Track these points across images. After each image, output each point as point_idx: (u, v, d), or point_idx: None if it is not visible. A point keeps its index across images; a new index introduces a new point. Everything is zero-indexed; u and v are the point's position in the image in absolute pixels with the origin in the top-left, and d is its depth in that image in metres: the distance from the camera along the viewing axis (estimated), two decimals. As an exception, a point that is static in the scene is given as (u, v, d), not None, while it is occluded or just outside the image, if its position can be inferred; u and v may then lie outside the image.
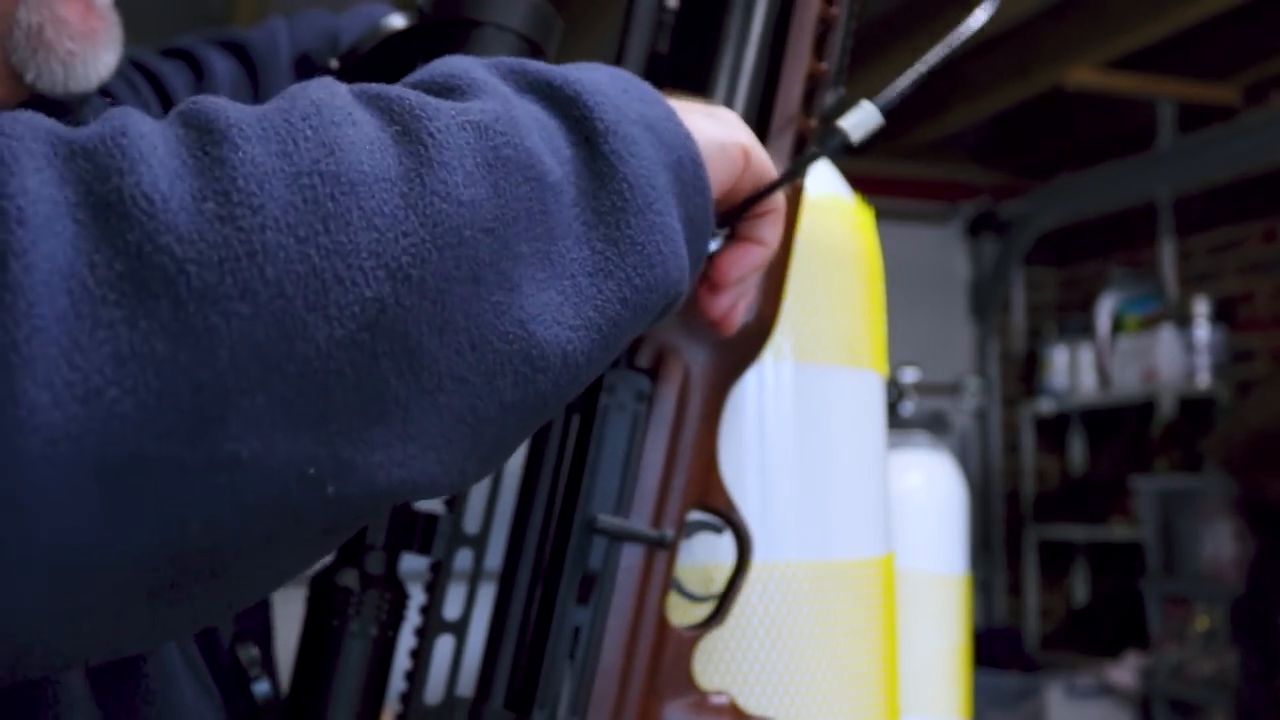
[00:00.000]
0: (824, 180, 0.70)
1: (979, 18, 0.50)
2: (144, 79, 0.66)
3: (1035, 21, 3.10)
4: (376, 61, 0.56)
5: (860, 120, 0.48)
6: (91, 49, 0.50)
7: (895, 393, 1.66)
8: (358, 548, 0.53)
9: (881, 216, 0.73)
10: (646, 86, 0.44)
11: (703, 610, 0.58)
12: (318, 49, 0.69)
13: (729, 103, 0.56)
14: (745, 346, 0.57)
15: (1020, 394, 4.25)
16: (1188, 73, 3.41)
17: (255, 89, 0.68)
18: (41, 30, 0.49)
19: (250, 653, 0.52)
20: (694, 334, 0.55)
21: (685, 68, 0.57)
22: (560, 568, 0.53)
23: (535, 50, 0.56)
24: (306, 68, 0.68)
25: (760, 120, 0.56)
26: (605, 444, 0.54)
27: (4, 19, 0.48)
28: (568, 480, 0.54)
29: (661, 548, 0.54)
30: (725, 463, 0.61)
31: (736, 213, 0.48)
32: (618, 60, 0.57)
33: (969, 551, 1.59)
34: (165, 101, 0.65)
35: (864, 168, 3.85)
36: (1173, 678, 3.31)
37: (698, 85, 0.56)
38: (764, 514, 0.62)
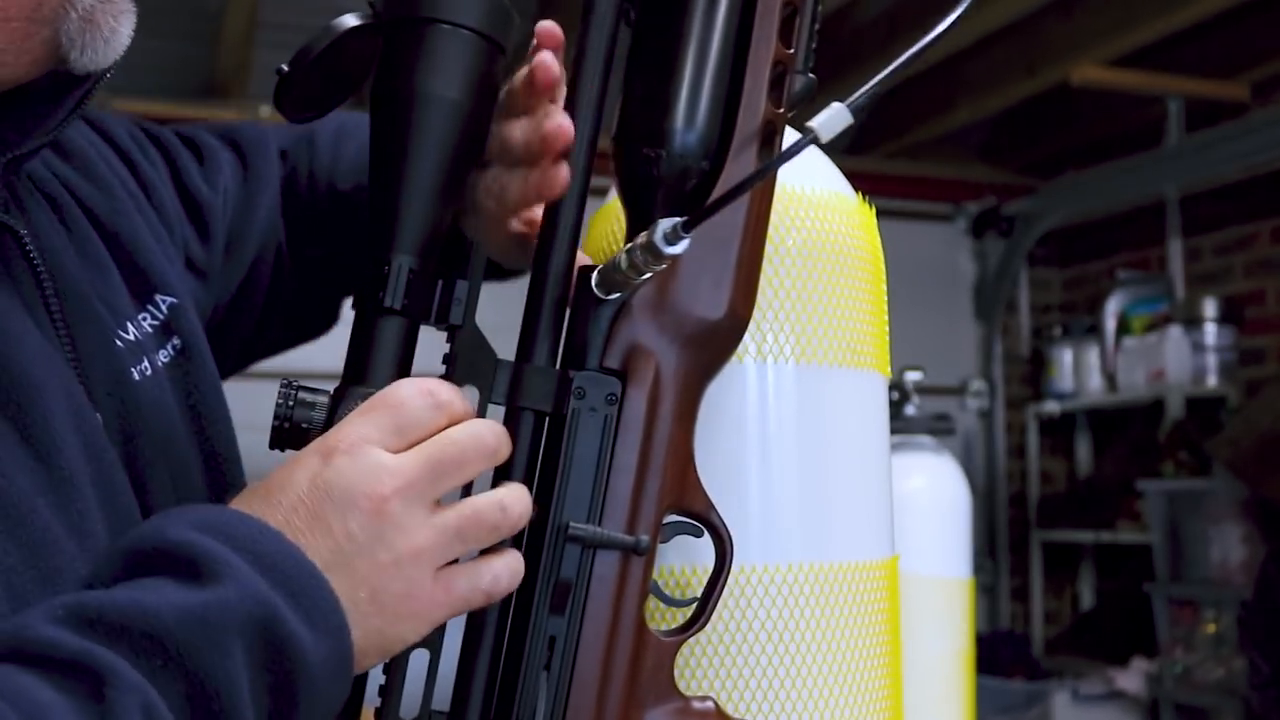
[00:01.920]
0: (826, 178, 0.69)
1: (947, 21, 0.51)
2: (155, 148, 0.73)
3: (1041, 17, 3.08)
4: (329, 61, 0.55)
5: (829, 120, 0.49)
6: (123, 25, 0.58)
7: (899, 394, 1.63)
8: None
9: (884, 215, 0.73)
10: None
11: (686, 614, 0.58)
12: (294, 146, 0.78)
13: (694, 92, 0.56)
14: (719, 344, 0.57)
15: (1025, 395, 4.23)
16: (1196, 69, 3.38)
17: (245, 174, 0.76)
18: (93, 12, 0.56)
19: None
20: (665, 332, 0.55)
21: (649, 56, 0.57)
22: (533, 577, 0.53)
23: (493, 45, 0.56)
24: (287, 162, 0.77)
25: (727, 108, 0.56)
26: (576, 449, 0.53)
27: (61, 4, 0.55)
28: (538, 487, 0.54)
29: (637, 554, 0.54)
30: (726, 464, 0.61)
31: (701, 216, 0.49)
32: (580, 48, 0.56)
33: (973, 555, 1.57)
34: (173, 169, 0.73)
35: (867, 166, 3.82)
36: (1180, 683, 3.29)
37: (662, 74, 0.56)
38: (766, 516, 0.63)
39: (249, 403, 0.81)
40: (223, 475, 0.65)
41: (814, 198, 0.66)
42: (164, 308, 0.65)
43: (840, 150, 4.06)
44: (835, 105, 0.49)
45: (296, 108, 0.56)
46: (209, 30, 3.25)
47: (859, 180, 0.72)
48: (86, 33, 0.55)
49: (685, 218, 0.48)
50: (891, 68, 0.50)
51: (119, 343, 0.61)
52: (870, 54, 3.25)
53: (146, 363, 0.62)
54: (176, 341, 0.65)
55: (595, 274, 0.54)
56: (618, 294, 0.54)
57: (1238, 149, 3.29)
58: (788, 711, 0.61)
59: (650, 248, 0.48)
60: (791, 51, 0.57)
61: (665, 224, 0.48)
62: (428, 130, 0.54)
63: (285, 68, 0.54)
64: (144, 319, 0.64)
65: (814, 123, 0.49)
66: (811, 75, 0.59)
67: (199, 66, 3.47)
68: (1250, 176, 3.46)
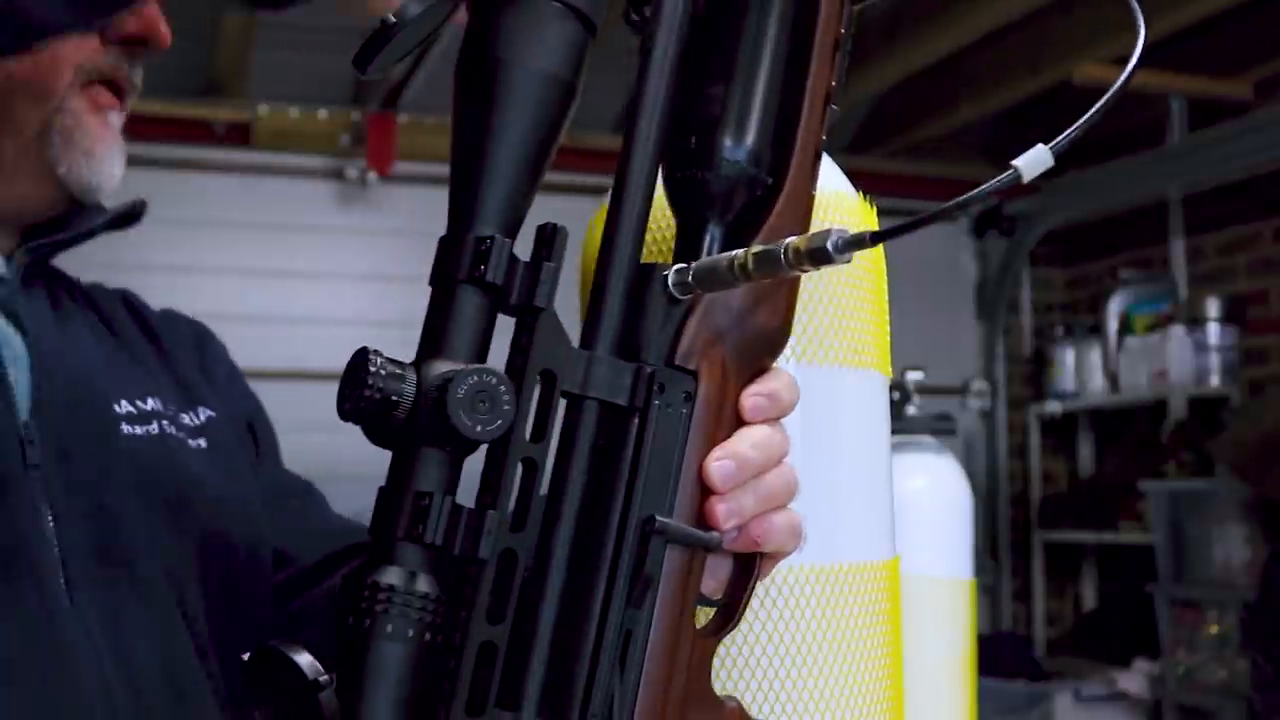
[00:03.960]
0: (827, 177, 0.69)
1: (1137, 51, 0.53)
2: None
3: (1044, 15, 3.07)
4: (424, 22, 0.55)
5: (1032, 160, 0.50)
6: (107, 152, 0.71)
7: (900, 394, 1.62)
8: (388, 543, 0.49)
9: (886, 214, 0.73)
10: None
11: (705, 615, 0.57)
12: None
13: (743, 116, 0.57)
14: (770, 350, 0.57)
15: (1027, 395, 4.23)
16: (1198, 68, 3.37)
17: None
18: (71, 132, 0.70)
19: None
20: (729, 336, 0.55)
21: (700, 66, 0.57)
22: (600, 569, 0.52)
23: (583, 20, 0.55)
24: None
25: (780, 135, 0.57)
26: (656, 444, 0.53)
27: (45, 125, 0.70)
28: (611, 480, 0.53)
29: (708, 550, 0.54)
30: (726, 465, 0.61)
31: (894, 233, 0.50)
32: (646, 44, 0.56)
33: (974, 555, 1.56)
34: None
35: (869, 164, 3.82)
36: (1183, 684, 3.28)
37: (713, 86, 0.57)
38: (767, 516, 0.62)
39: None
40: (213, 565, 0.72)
41: (815, 196, 0.65)
42: (202, 416, 0.76)
43: (842, 149, 4.02)
44: (1040, 147, 0.50)
45: (373, 64, 0.55)
46: (208, 29, 3.24)
47: (860, 179, 0.72)
48: (68, 148, 0.69)
49: (871, 231, 0.48)
50: (1096, 108, 0.52)
51: (117, 408, 0.71)
52: (870, 54, 3.24)
53: (156, 426, 0.72)
54: (203, 442, 0.75)
55: (677, 272, 0.53)
56: (690, 295, 0.54)
57: (1240, 148, 3.29)
58: (789, 712, 0.61)
59: (816, 254, 0.47)
60: (835, 84, 0.59)
61: (839, 232, 0.47)
62: (515, 101, 0.53)
63: (392, 18, 0.54)
64: (183, 415, 0.75)
65: (1019, 161, 0.50)
66: (835, 107, 0.60)
67: (197, 65, 3.47)
68: (1253, 175, 3.46)
